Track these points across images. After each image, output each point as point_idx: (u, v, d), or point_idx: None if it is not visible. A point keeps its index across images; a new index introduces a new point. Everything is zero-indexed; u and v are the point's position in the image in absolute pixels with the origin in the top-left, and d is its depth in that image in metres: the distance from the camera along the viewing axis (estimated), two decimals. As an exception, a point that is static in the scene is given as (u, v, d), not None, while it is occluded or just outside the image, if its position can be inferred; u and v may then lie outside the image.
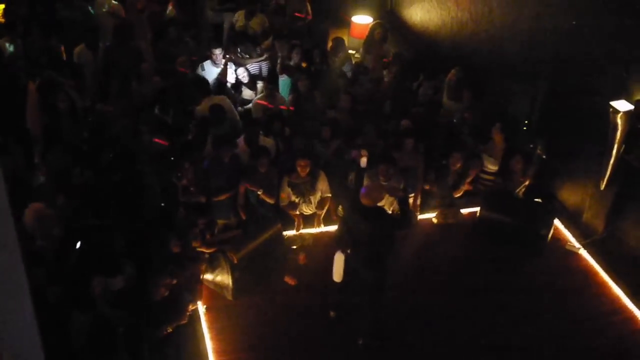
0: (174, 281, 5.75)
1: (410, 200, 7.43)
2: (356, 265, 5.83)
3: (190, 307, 5.81)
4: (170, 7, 10.09)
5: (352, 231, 5.81)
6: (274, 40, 9.75)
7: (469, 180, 7.67)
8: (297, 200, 7.06)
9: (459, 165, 7.48)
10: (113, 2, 9.72)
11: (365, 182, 6.91)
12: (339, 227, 6.14)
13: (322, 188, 7.10)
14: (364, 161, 7.10)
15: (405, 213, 6.00)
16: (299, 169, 6.89)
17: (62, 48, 9.04)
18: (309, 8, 10.79)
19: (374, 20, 10.66)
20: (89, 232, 5.98)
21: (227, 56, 8.99)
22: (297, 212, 7.13)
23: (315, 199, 7.12)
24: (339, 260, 5.94)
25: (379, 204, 5.97)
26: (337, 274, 6.01)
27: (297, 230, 7.13)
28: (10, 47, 8.47)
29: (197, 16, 10.38)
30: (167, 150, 7.16)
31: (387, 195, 6.69)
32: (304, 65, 9.32)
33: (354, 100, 8.37)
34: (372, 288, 5.85)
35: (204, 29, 10.32)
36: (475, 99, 8.36)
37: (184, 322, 5.70)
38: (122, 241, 6.07)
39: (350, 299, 6.09)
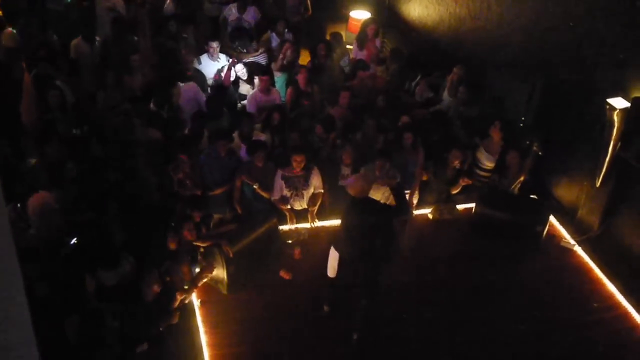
0: (167, 278, 5.76)
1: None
2: (351, 259, 5.82)
3: (177, 303, 5.81)
4: (169, 2, 10.07)
5: (348, 226, 5.81)
6: (271, 32, 9.75)
7: (464, 177, 7.66)
8: (289, 194, 7.05)
9: (457, 162, 7.47)
10: None
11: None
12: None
13: (316, 184, 7.10)
14: None
15: (400, 200, 5.97)
16: (294, 164, 6.88)
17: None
18: (309, 4, 10.78)
19: (371, 15, 10.66)
20: (86, 225, 5.99)
21: (231, 59, 8.94)
22: (288, 207, 7.13)
23: (307, 194, 7.11)
24: (333, 255, 5.95)
25: (373, 197, 5.99)
26: (331, 268, 6.03)
27: (290, 224, 7.13)
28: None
29: (195, 10, 10.36)
30: (163, 144, 7.16)
31: (380, 187, 6.69)
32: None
33: (352, 96, 8.36)
34: (367, 282, 5.86)
35: (202, 22, 10.30)
36: (472, 94, 8.36)
37: (174, 322, 5.72)
38: (122, 235, 6.07)
39: (343, 294, 6.10)
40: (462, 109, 8.27)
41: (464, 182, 7.62)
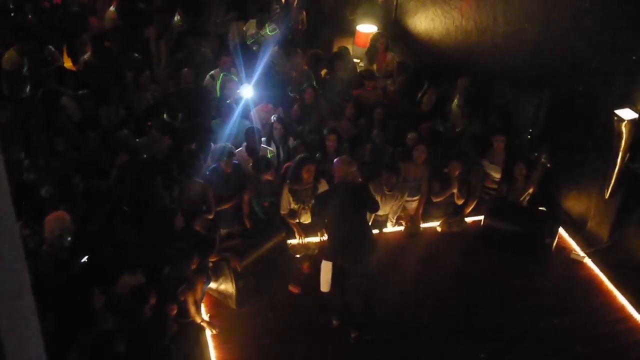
0: (182, 298, 5.73)
1: (414, 206, 7.48)
2: (338, 260, 5.94)
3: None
4: (177, 17, 10.15)
5: (335, 209, 5.99)
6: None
7: (477, 193, 7.63)
8: (296, 207, 7.05)
9: (458, 172, 7.45)
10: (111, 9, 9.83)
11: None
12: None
13: None
14: None
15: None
16: (305, 174, 6.86)
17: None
18: (305, 17, 10.85)
19: (378, 29, 10.72)
20: (98, 236, 5.96)
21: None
22: (296, 221, 7.13)
23: (314, 207, 7.12)
24: (326, 268, 5.98)
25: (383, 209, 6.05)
26: (325, 282, 6.09)
27: (298, 238, 7.13)
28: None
29: (203, 26, 10.43)
30: (173, 158, 7.16)
31: (389, 199, 6.85)
32: None
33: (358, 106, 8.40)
34: (358, 277, 5.95)
35: (210, 38, 10.37)
36: (474, 108, 8.37)
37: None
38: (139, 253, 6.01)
39: (342, 301, 6.15)
40: (466, 122, 8.27)
41: (458, 198, 7.61)
